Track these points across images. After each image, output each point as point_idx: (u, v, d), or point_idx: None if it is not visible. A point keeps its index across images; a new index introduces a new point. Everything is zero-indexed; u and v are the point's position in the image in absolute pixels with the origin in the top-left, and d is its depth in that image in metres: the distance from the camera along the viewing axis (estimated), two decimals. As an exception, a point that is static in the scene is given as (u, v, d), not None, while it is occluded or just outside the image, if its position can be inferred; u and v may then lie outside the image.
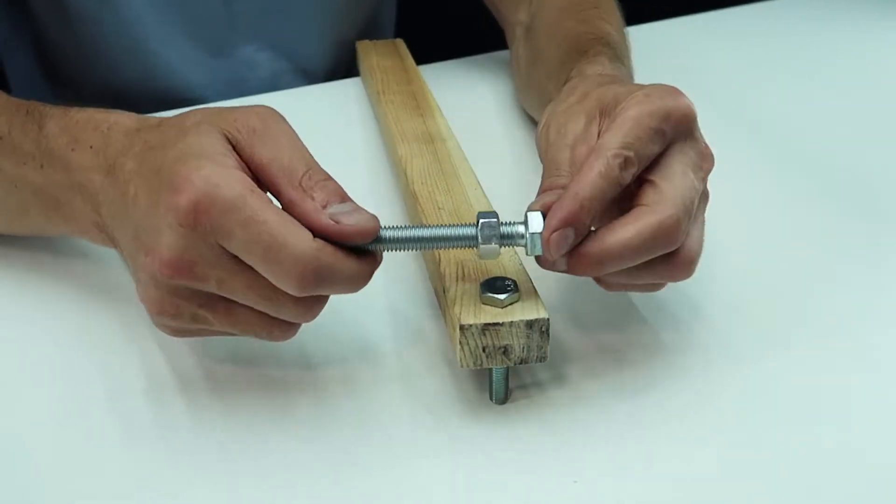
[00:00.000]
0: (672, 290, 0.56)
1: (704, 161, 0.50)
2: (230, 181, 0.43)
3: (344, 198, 0.45)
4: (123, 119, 0.50)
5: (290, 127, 0.47)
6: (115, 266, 0.59)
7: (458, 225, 0.47)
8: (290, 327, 0.47)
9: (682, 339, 0.54)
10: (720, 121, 0.78)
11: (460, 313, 0.46)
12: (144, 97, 0.85)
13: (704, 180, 0.50)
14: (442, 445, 0.47)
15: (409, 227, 0.46)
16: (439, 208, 0.56)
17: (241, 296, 0.44)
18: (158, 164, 0.44)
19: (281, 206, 0.45)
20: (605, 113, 0.50)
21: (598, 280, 0.49)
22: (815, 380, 0.51)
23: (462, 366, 0.46)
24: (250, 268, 0.43)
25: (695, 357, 0.53)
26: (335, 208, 0.44)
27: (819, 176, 0.71)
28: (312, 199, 0.44)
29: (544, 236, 0.45)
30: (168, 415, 0.49)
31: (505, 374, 0.49)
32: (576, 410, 0.49)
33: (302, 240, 0.43)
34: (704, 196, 0.51)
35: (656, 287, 0.51)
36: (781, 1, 1.02)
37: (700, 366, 0.52)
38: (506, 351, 0.46)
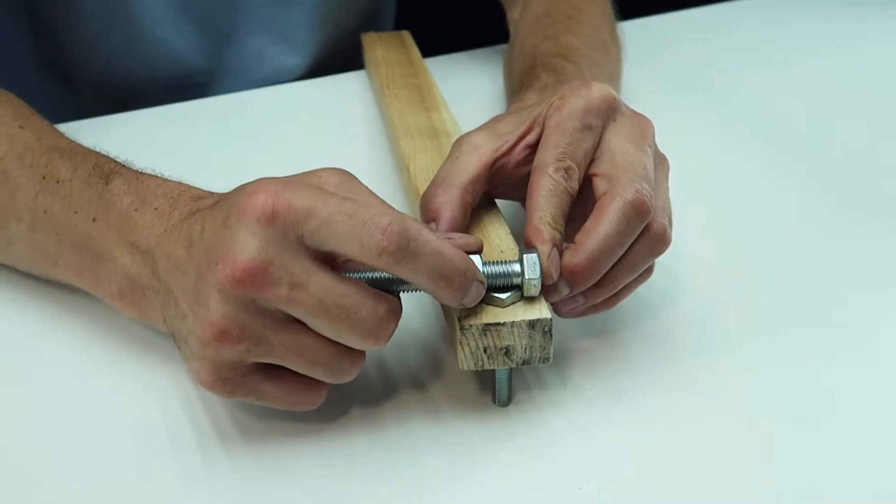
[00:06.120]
0: (677, 290, 0.56)
1: (643, 128, 0.50)
2: (300, 186, 0.42)
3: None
4: (194, 190, 0.50)
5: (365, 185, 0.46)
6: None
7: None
8: (358, 357, 0.44)
9: (687, 340, 0.53)
10: (721, 114, 0.77)
11: (461, 313, 0.45)
12: (147, 87, 0.85)
13: (651, 146, 0.50)
14: (443, 449, 0.46)
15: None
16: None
17: (314, 305, 0.42)
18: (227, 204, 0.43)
19: None
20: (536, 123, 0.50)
21: (608, 303, 0.50)
22: (823, 380, 0.50)
23: (463, 367, 0.45)
24: (326, 269, 0.42)
25: (700, 359, 0.52)
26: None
27: (819, 170, 0.70)
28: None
29: (544, 266, 0.45)
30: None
31: (508, 375, 0.48)
32: (580, 414, 0.48)
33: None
34: (661, 160, 0.51)
35: (646, 275, 0.51)
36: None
37: (706, 367, 0.51)
38: (507, 352, 0.45)
